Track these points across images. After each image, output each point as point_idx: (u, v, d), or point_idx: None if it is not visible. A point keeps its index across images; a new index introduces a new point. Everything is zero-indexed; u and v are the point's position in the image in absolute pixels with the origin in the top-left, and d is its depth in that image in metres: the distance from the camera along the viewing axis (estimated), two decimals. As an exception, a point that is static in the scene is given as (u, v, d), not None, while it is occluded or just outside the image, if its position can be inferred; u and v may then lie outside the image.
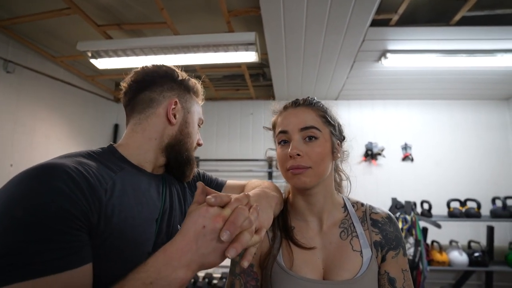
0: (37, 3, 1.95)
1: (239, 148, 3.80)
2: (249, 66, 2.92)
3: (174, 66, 0.78)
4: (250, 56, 2.28)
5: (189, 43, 2.14)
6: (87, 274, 0.49)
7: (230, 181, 0.88)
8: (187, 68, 3.07)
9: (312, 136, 0.69)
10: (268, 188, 0.70)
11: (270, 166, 3.57)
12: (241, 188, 0.83)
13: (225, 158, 3.75)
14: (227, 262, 0.79)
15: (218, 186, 0.86)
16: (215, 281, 2.97)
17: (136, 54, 2.26)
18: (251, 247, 0.49)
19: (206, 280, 2.92)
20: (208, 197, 0.46)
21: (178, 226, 0.69)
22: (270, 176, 3.53)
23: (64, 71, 2.94)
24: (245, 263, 0.47)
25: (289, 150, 0.68)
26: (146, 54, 2.25)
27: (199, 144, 0.80)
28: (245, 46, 2.13)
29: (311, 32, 2.11)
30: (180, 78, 0.76)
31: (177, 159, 0.72)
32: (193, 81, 0.80)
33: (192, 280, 2.94)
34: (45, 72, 2.73)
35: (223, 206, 0.47)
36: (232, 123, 3.89)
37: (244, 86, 3.49)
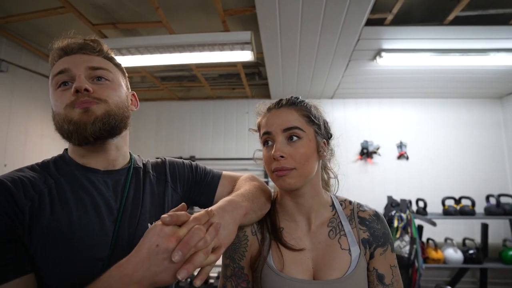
0: (31, 2, 1.93)
1: (235, 147, 3.80)
2: (245, 65, 2.92)
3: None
4: (245, 55, 2.28)
5: (185, 42, 2.13)
6: (26, 286, 0.50)
7: (225, 173, 0.85)
8: (182, 67, 3.04)
9: (295, 136, 0.68)
10: (242, 196, 0.66)
11: (266, 165, 3.57)
12: (235, 182, 0.81)
13: (221, 157, 3.75)
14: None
15: (213, 178, 0.82)
16: (211, 281, 2.96)
17: (132, 54, 2.25)
18: (207, 267, 0.49)
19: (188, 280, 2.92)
20: (164, 215, 0.46)
21: (149, 224, 0.65)
22: (266, 175, 3.53)
23: (59, 71, 2.92)
24: (198, 282, 0.47)
25: (273, 152, 0.67)
26: (141, 53, 2.24)
27: (76, 91, 0.59)
28: (241, 45, 2.13)
29: (307, 31, 2.12)
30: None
31: (63, 136, 0.63)
32: (50, 57, 0.66)
33: (189, 280, 2.93)
34: (39, 71, 2.70)
35: (181, 225, 0.47)
36: (228, 122, 3.89)
37: (240, 85, 3.49)
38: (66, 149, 0.68)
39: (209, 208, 0.54)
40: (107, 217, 0.60)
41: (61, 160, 0.65)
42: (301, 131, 0.69)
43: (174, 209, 0.52)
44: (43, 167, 0.62)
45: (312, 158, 0.69)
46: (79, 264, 0.54)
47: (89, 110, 0.60)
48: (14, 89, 2.48)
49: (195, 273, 0.49)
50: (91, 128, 0.59)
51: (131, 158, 0.74)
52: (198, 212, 0.52)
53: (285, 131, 0.68)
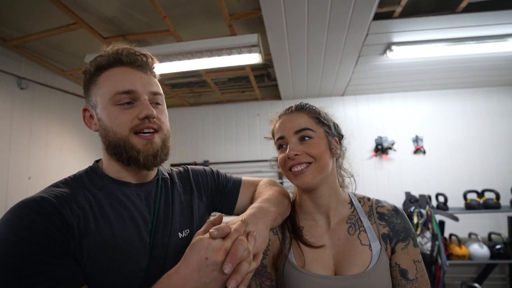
0: (45, 21, 2.02)
1: (247, 150, 3.81)
2: (253, 67, 2.93)
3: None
4: (253, 58, 2.29)
5: (193, 49, 2.16)
6: None
7: (245, 179, 0.87)
8: (192, 74, 3.07)
9: (306, 136, 0.73)
10: (269, 201, 0.68)
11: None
12: (255, 187, 0.83)
13: (234, 160, 3.77)
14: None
15: (234, 185, 0.84)
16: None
17: (142, 63, 2.30)
18: (249, 273, 0.51)
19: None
20: (211, 230, 0.49)
21: (179, 234, 0.68)
22: (280, 176, 3.52)
23: (74, 84, 3.03)
24: None
25: (287, 152, 0.72)
26: (151, 62, 2.29)
27: (145, 117, 0.62)
28: (248, 48, 2.14)
29: (314, 30, 2.10)
30: (86, 73, 0.66)
31: (119, 156, 0.63)
32: (99, 58, 0.65)
33: None
34: (56, 86, 2.82)
35: (224, 237, 0.49)
36: (240, 125, 3.91)
37: (250, 88, 3.50)
38: (96, 161, 0.70)
39: (242, 217, 0.57)
40: (144, 229, 0.63)
41: (94, 174, 0.66)
42: (311, 131, 0.73)
43: (211, 220, 0.54)
44: (78, 182, 0.63)
45: (325, 154, 0.72)
46: (124, 275, 0.57)
47: (152, 142, 0.64)
48: (34, 105, 2.60)
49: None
50: (157, 160, 0.64)
51: (158, 170, 0.76)
52: (231, 220, 0.55)
53: (296, 133, 0.73)
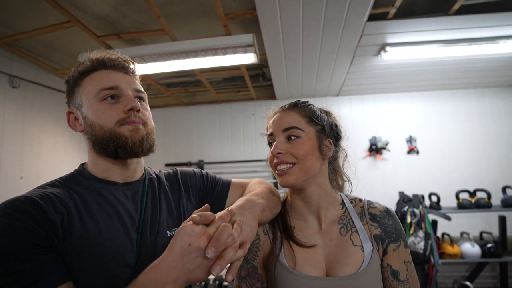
0: (38, 18, 1.99)
1: (242, 149, 3.81)
2: (249, 67, 2.93)
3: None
4: (249, 58, 2.28)
5: (188, 48, 2.15)
6: None
7: (234, 181, 0.87)
8: (187, 73, 3.06)
9: (294, 135, 0.72)
10: (257, 195, 0.69)
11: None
12: (244, 188, 0.84)
13: (229, 160, 3.77)
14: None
15: (223, 187, 0.84)
16: (225, 283, 2.98)
17: (137, 62, 2.28)
18: (236, 262, 0.51)
19: (217, 282, 2.93)
20: (194, 215, 0.49)
21: (168, 232, 0.69)
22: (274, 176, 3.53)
23: (67, 83, 2.99)
24: (230, 277, 0.50)
25: (272, 149, 0.72)
26: (146, 61, 2.27)
27: (130, 109, 0.66)
28: (243, 48, 2.14)
29: (309, 30, 2.11)
30: (69, 80, 0.70)
31: (106, 149, 0.65)
32: (82, 65, 0.70)
33: (203, 283, 2.95)
34: (49, 85, 2.78)
35: (208, 224, 0.49)
36: (235, 125, 3.91)
37: (245, 87, 3.50)
38: (82, 164, 0.71)
39: (229, 208, 0.57)
40: (130, 227, 0.64)
41: (79, 175, 0.67)
42: (300, 130, 0.72)
43: (198, 210, 0.54)
44: (64, 183, 0.64)
45: (311, 156, 0.71)
46: (111, 271, 0.58)
47: (138, 129, 0.67)
48: (27, 104, 2.56)
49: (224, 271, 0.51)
50: (144, 145, 0.66)
51: (144, 170, 0.77)
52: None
53: (284, 131, 0.73)
